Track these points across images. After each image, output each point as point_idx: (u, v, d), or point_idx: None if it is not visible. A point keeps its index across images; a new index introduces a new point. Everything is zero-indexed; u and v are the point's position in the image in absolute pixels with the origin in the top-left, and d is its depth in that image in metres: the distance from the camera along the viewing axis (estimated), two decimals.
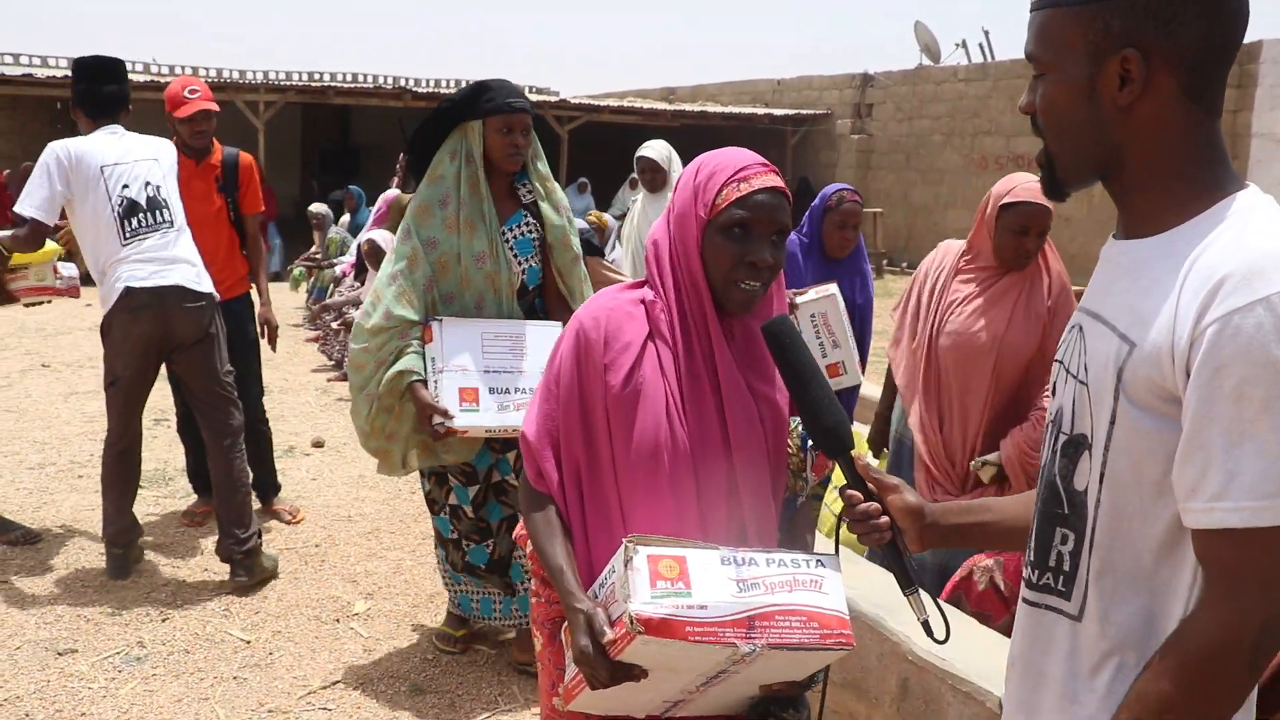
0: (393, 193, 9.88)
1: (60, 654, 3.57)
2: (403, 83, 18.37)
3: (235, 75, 18.22)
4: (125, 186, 4.10)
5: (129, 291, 4.02)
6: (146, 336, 4.07)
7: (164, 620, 3.87)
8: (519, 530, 2.27)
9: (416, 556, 4.60)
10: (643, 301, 1.83)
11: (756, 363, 1.84)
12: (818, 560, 1.65)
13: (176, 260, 4.14)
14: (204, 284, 4.20)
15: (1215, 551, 1.08)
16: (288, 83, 17.61)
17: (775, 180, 1.77)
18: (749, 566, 1.59)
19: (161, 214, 4.16)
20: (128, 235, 4.07)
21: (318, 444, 6.28)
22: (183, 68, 18.71)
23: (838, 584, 1.64)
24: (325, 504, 5.27)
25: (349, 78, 19.49)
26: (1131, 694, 1.15)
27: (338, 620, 3.96)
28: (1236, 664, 1.08)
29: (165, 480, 5.48)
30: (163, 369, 4.32)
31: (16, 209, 4.06)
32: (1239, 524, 1.05)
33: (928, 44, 18.94)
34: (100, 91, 4.26)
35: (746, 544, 1.77)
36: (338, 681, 3.48)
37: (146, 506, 5.06)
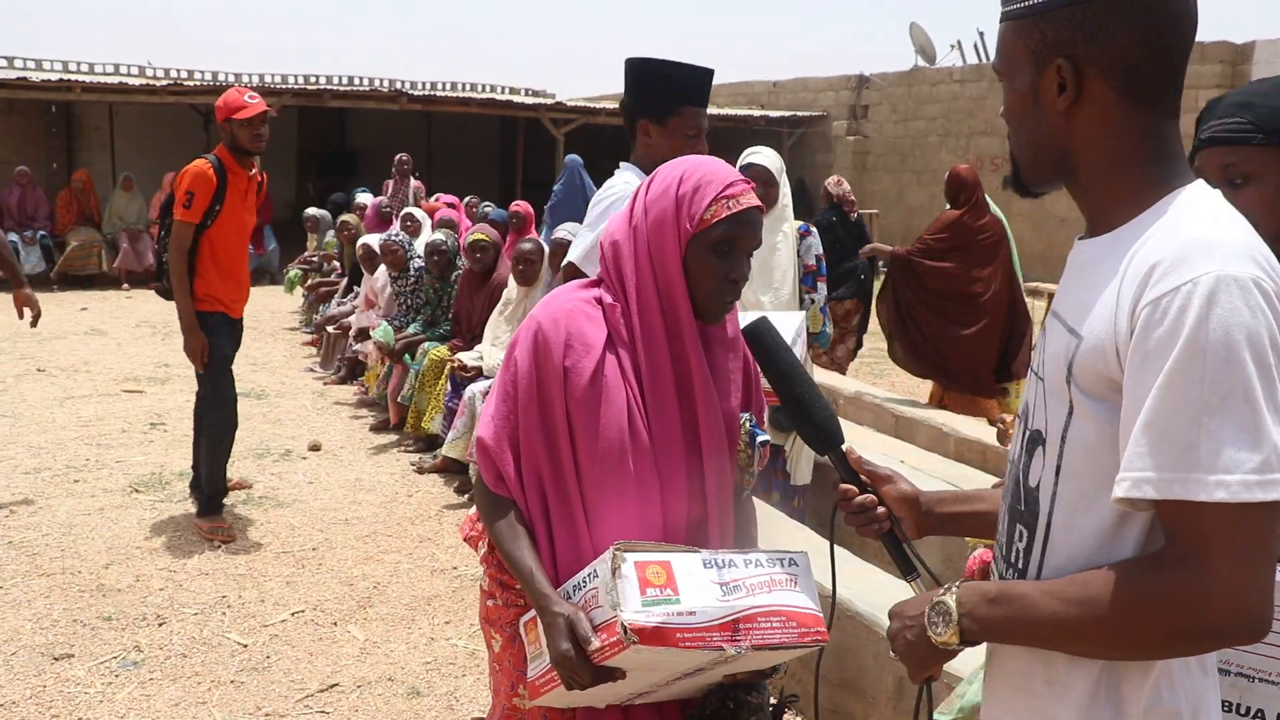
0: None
1: (56, 659, 3.56)
2: (399, 85, 18.32)
3: (231, 79, 18.17)
4: None
5: None
6: None
7: (161, 625, 3.86)
8: (468, 530, 2.27)
9: (414, 560, 4.59)
10: (599, 302, 1.80)
11: (720, 367, 1.86)
12: (790, 559, 1.68)
13: None
14: None
15: (1176, 523, 1.09)
16: (284, 86, 17.53)
17: (756, 199, 1.78)
18: (729, 569, 1.62)
19: None
20: None
21: (314, 447, 6.27)
22: (179, 71, 18.69)
23: (810, 582, 1.68)
24: (322, 507, 5.26)
25: (345, 80, 19.44)
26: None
27: (335, 624, 3.95)
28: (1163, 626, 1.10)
29: (162, 484, 5.47)
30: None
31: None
32: (1186, 496, 1.06)
33: (923, 45, 18.95)
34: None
35: (708, 542, 1.80)
36: (335, 685, 3.48)
37: (142, 510, 5.06)
